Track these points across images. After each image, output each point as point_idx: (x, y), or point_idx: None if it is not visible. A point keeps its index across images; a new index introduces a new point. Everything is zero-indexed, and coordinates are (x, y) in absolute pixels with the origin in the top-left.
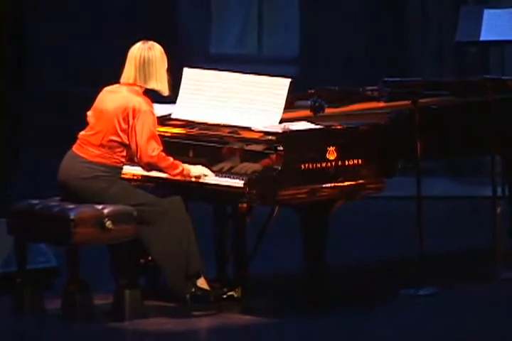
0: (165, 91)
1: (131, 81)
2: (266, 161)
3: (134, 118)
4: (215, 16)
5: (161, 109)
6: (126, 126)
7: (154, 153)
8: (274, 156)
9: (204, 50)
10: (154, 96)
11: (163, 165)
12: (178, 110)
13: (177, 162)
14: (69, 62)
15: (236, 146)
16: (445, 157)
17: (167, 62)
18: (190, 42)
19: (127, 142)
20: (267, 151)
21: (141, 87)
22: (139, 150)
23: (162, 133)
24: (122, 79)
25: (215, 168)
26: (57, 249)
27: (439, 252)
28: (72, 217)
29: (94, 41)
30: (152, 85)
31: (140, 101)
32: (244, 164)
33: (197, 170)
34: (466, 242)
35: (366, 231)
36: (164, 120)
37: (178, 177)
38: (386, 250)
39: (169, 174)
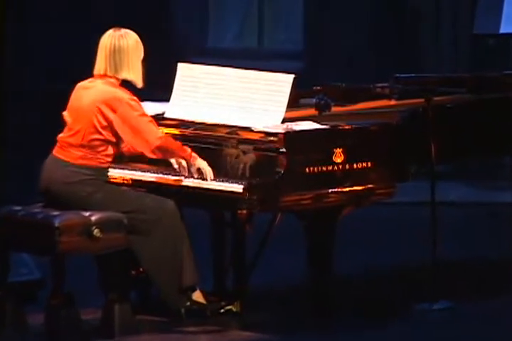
0: (139, 82)
1: (102, 72)
2: (267, 164)
3: (115, 110)
4: (212, 7)
5: (152, 108)
6: (107, 123)
7: (160, 134)
8: (276, 159)
9: (200, 43)
10: (144, 93)
11: (174, 145)
12: (172, 109)
13: (185, 146)
14: (63, 60)
15: (235, 148)
16: (461, 159)
17: (143, 52)
18: (185, 35)
19: (111, 139)
20: (268, 153)
21: (116, 78)
22: (143, 138)
23: None
24: (95, 71)
25: (212, 171)
26: (41, 260)
27: (454, 262)
28: (57, 224)
29: (84, 35)
30: (124, 75)
31: (116, 92)
32: (244, 167)
33: (202, 163)
34: (483, 251)
35: (375, 240)
36: (157, 119)
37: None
38: (397, 260)
39: (180, 156)
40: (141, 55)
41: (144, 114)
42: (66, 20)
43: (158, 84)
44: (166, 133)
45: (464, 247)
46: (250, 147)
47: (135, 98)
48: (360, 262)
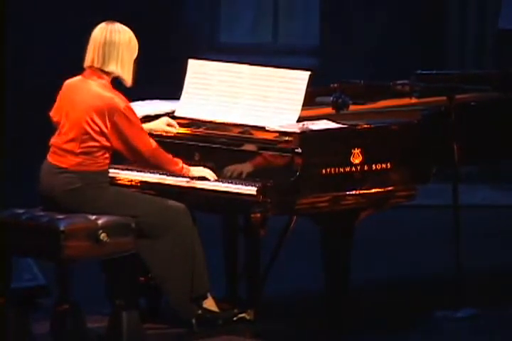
0: (128, 79)
1: (89, 63)
2: (282, 165)
3: (110, 119)
4: (224, 0)
5: (162, 106)
6: (100, 130)
7: (154, 145)
8: (291, 159)
9: (212, 38)
10: (154, 92)
11: (164, 159)
12: (182, 107)
13: (177, 159)
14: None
15: (248, 148)
16: (485, 160)
17: (137, 50)
18: (196, 30)
19: (107, 144)
20: (283, 154)
21: (106, 74)
22: (135, 150)
23: (164, 134)
24: (84, 64)
25: (224, 173)
26: (46, 265)
27: (478, 268)
28: (62, 228)
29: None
30: (112, 68)
31: (112, 98)
32: (258, 168)
33: (198, 172)
34: (510, 257)
35: (396, 245)
36: None
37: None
38: (419, 266)
39: (168, 170)
40: (134, 52)
41: (137, 124)
42: (73, 15)
43: (168, 81)
44: (177, 133)
45: (489, 252)
46: (264, 147)
47: (129, 105)
48: (380, 268)
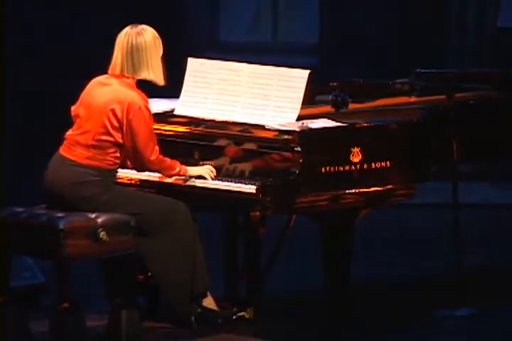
0: (160, 81)
1: (117, 72)
2: (281, 164)
3: (127, 115)
4: None
5: (162, 105)
6: (118, 124)
7: (153, 157)
8: (290, 158)
9: (211, 37)
10: (153, 90)
11: (161, 166)
12: (182, 105)
13: (174, 161)
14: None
15: (247, 147)
16: (485, 159)
17: (162, 48)
18: (197, 29)
19: (121, 141)
20: (282, 152)
21: (132, 78)
22: (137, 155)
23: (164, 132)
24: (110, 70)
25: (223, 172)
26: (45, 263)
27: (478, 267)
28: (61, 226)
29: (95, 28)
30: (144, 75)
31: (134, 96)
32: (257, 167)
33: (195, 171)
34: (509, 256)
35: (395, 244)
36: (166, 117)
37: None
38: (418, 264)
39: (167, 175)
40: (161, 51)
41: (151, 127)
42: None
43: (167, 79)
44: (177, 132)
45: (488, 251)
46: (264, 146)
47: (148, 106)
48: (379, 267)
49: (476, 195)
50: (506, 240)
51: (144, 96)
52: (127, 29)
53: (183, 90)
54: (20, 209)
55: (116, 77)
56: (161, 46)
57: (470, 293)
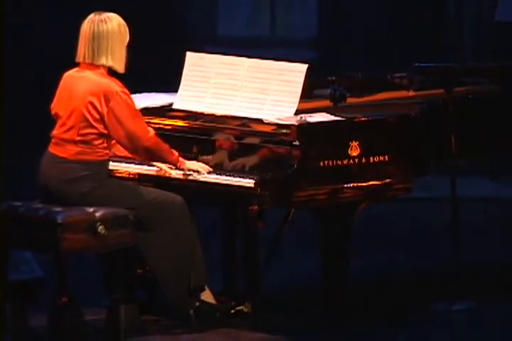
0: (120, 68)
1: (80, 59)
2: (280, 158)
3: (107, 104)
4: None
5: (160, 99)
6: (99, 116)
7: (151, 134)
8: (288, 152)
9: (209, 31)
10: (151, 84)
11: (163, 148)
12: (180, 100)
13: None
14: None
15: (246, 141)
16: (483, 153)
17: (128, 35)
18: (195, 23)
19: (105, 132)
20: (280, 146)
21: (102, 67)
22: (132, 136)
23: (162, 127)
24: (76, 58)
25: (222, 166)
26: (44, 258)
27: (477, 261)
28: (59, 220)
29: None
30: (102, 61)
31: (107, 84)
32: (256, 161)
33: (191, 165)
34: (508, 250)
35: (394, 238)
36: (165, 111)
37: (173, 173)
38: (417, 259)
39: (166, 159)
40: (126, 39)
41: (135, 110)
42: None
43: (165, 73)
44: (175, 126)
45: (488, 245)
46: (262, 140)
47: (126, 91)
48: (378, 261)
49: (475, 189)
50: (505, 234)
51: (118, 82)
52: (91, 16)
53: (181, 84)
54: (18, 204)
55: (87, 68)
56: (127, 34)
57: (469, 287)
